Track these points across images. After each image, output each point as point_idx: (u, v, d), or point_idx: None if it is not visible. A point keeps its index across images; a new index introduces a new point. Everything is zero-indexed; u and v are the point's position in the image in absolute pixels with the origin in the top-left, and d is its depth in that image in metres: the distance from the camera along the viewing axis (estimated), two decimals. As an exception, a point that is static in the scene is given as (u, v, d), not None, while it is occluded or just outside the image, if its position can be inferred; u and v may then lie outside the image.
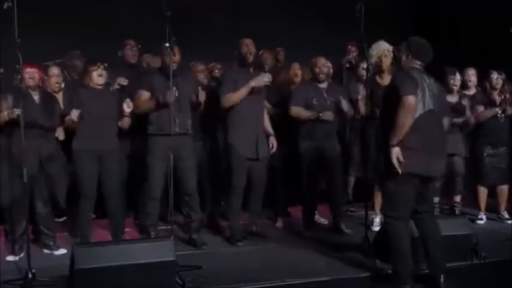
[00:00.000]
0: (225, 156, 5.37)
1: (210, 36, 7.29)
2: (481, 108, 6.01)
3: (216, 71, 6.08)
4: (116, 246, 4.10)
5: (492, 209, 6.23)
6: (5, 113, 4.57)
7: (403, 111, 3.81)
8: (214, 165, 5.79)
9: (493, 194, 6.21)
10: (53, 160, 4.88)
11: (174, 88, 4.77)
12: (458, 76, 6.04)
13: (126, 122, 5.12)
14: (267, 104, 5.56)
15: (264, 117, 5.38)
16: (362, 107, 5.60)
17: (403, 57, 4.10)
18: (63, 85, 5.39)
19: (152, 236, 5.07)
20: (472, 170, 6.16)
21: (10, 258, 4.74)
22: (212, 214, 5.88)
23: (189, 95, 5.11)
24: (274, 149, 5.36)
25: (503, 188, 6.17)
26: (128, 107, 4.99)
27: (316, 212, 5.90)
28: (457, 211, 6.19)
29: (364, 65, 5.74)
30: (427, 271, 4.19)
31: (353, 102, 5.74)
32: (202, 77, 5.82)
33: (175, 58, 4.84)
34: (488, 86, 6.20)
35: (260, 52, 5.82)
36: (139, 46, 5.92)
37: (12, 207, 4.75)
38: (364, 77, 5.91)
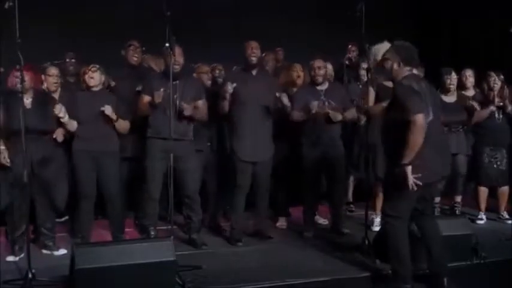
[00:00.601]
0: (230, 158, 5.35)
1: (210, 36, 7.29)
2: (478, 106, 6.01)
3: (217, 72, 6.07)
4: (116, 246, 4.10)
5: (492, 209, 6.23)
6: None
7: (414, 131, 3.77)
8: (221, 166, 5.79)
9: (493, 195, 6.22)
10: (47, 164, 4.81)
11: (163, 89, 4.78)
12: (454, 76, 6.03)
13: (121, 125, 5.03)
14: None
15: (268, 119, 5.29)
16: (361, 107, 5.60)
17: (394, 66, 4.05)
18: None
19: (152, 236, 5.08)
20: (472, 170, 6.16)
21: (10, 258, 4.73)
22: (214, 214, 5.88)
23: (191, 100, 5.05)
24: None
25: (504, 190, 6.17)
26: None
27: (316, 212, 5.89)
28: (457, 211, 6.20)
29: (365, 65, 5.74)
30: (428, 271, 4.19)
31: (353, 103, 5.74)
32: (206, 78, 5.82)
33: (178, 61, 4.85)
34: (486, 87, 6.20)
35: (263, 54, 5.79)
36: (144, 48, 5.91)
37: (13, 209, 4.74)
38: (365, 78, 5.90)
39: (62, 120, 4.80)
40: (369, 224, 5.25)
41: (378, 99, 5.34)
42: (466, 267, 4.57)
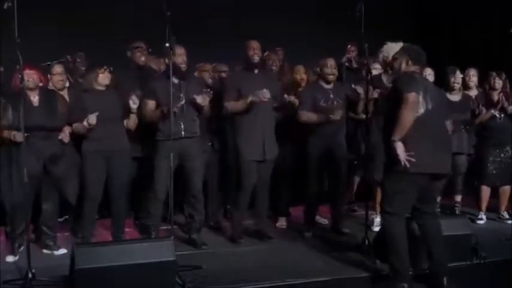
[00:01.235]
0: (233, 158, 5.35)
1: (210, 36, 7.28)
2: (483, 109, 6.01)
3: (223, 73, 6.03)
4: (116, 246, 4.11)
5: (492, 209, 6.23)
6: (5, 132, 4.59)
7: (405, 108, 3.86)
8: (223, 167, 5.78)
9: (494, 194, 6.21)
10: (58, 161, 4.83)
11: (182, 95, 4.81)
12: (459, 74, 6.04)
13: (132, 121, 5.10)
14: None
15: (272, 118, 5.30)
16: (361, 107, 5.59)
17: (403, 64, 4.15)
18: (67, 84, 5.37)
19: (152, 236, 5.07)
20: (475, 170, 6.16)
21: (10, 258, 4.74)
22: (215, 214, 5.88)
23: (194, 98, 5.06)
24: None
25: (506, 189, 6.17)
26: (133, 103, 4.98)
27: (316, 212, 5.90)
28: (457, 211, 6.21)
29: (376, 65, 5.75)
30: (428, 271, 4.20)
31: (353, 102, 5.73)
32: (207, 76, 5.82)
33: (182, 60, 4.87)
34: (487, 86, 6.20)
35: (265, 53, 5.79)
36: (150, 50, 5.90)
37: (15, 208, 4.74)
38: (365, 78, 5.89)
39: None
40: (369, 224, 5.25)
41: (376, 106, 5.36)
42: (466, 267, 4.57)
